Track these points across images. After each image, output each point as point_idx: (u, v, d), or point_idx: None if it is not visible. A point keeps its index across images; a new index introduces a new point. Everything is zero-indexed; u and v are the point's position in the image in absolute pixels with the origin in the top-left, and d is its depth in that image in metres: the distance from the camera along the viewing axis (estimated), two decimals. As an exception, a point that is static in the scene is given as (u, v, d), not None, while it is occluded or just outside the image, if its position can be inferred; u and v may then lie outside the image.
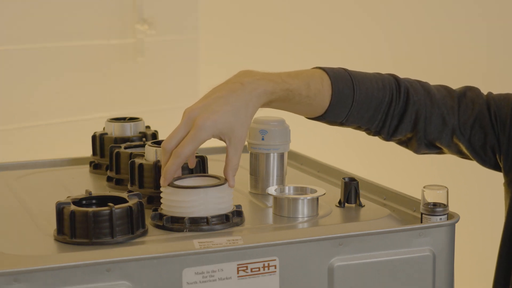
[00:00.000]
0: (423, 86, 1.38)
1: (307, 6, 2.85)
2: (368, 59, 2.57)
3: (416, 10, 2.54)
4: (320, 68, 1.31)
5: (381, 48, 2.61)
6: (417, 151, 1.39)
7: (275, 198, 1.23)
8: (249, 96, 1.20)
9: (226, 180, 1.18)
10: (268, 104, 1.25)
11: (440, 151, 1.40)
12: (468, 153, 1.37)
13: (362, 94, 1.31)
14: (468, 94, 1.38)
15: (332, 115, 1.31)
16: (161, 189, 1.17)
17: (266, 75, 1.23)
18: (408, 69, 2.30)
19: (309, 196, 1.22)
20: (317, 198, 1.23)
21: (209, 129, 1.16)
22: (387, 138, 1.38)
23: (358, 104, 1.31)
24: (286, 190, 1.26)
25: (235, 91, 1.20)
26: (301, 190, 1.26)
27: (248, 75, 1.23)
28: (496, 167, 1.39)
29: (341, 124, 1.34)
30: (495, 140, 1.36)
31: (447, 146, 1.37)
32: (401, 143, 1.40)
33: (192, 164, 1.25)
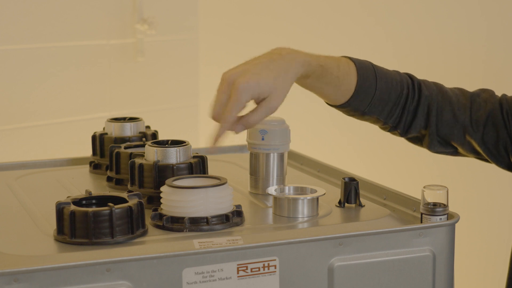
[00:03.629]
0: (436, 84, 1.40)
1: (307, 6, 2.85)
2: (370, 58, 2.56)
3: (418, 9, 2.54)
4: (344, 56, 1.34)
5: (382, 48, 2.62)
6: (430, 147, 1.41)
7: (275, 198, 1.23)
8: (289, 63, 1.22)
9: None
10: (304, 77, 1.26)
11: (455, 151, 1.41)
12: (482, 152, 1.38)
13: (383, 84, 1.34)
14: (482, 94, 1.39)
15: (356, 102, 1.33)
16: (161, 189, 1.18)
17: (301, 51, 1.26)
18: (410, 67, 2.30)
19: (309, 196, 1.22)
20: (317, 198, 1.23)
21: (250, 90, 1.17)
22: (403, 134, 1.40)
23: (380, 93, 1.34)
24: (286, 190, 1.26)
25: (274, 59, 1.21)
26: (301, 190, 1.26)
27: (285, 49, 1.24)
28: (511, 167, 1.40)
29: (363, 113, 1.36)
30: (507, 138, 1.36)
31: (461, 144, 1.38)
32: (415, 140, 1.42)
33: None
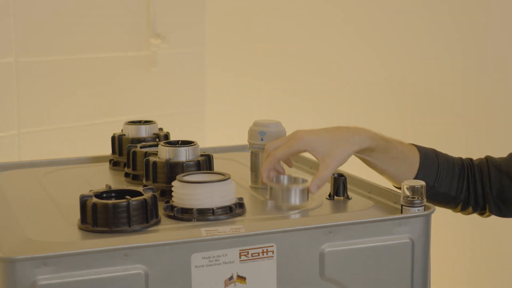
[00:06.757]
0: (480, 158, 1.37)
1: (315, 20, 2.81)
2: (370, 58, 2.53)
3: (419, 10, 2.50)
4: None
5: (382, 48, 2.58)
6: (491, 212, 1.36)
7: (271, 187, 1.23)
8: (352, 134, 1.22)
9: (307, 183, 1.19)
10: (370, 151, 1.26)
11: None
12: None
13: (443, 159, 1.33)
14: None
15: (423, 177, 1.31)
16: (172, 183, 1.17)
17: (367, 128, 1.26)
18: (410, 72, 2.27)
19: (301, 186, 1.22)
20: (307, 188, 1.22)
21: (303, 142, 1.19)
22: (476, 208, 1.36)
23: (444, 166, 1.33)
24: (281, 180, 1.26)
25: (340, 129, 1.22)
26: (295, 180, 1.26)
27: (353, 126, 1.25)
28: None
29: (433, 188, 1.33)
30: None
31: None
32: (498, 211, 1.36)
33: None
